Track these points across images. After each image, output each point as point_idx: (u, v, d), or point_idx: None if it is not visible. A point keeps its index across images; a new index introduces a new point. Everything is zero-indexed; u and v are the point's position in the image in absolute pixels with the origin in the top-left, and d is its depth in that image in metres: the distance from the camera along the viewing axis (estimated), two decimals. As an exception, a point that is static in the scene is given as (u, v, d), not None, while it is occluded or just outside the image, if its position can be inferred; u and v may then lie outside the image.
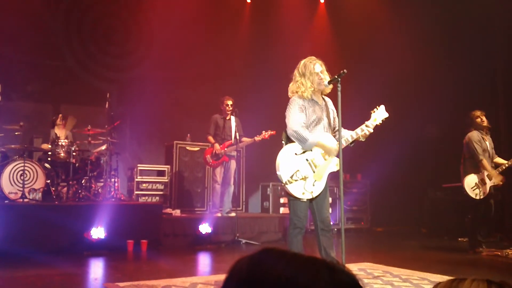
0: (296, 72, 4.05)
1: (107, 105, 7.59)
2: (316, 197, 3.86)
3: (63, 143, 7.07)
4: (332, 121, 4.07)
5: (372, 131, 3.92)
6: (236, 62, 9.76)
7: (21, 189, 6.43)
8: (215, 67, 9.57)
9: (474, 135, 6.23)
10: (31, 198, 6.45)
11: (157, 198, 8.14)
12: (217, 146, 7.45)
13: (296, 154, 3.86)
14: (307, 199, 3.83)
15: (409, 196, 9.36)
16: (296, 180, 3.79)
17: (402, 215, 9.42)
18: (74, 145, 7.14)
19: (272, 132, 7.06)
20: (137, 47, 9.30)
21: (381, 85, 8.86)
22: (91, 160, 7.28)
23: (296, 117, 3.87)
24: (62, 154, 7.02)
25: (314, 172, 3.84)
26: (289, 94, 4.07)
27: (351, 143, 3.98)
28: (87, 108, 8.74)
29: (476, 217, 6.27)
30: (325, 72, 4.02)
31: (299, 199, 3.81)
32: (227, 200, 7.66)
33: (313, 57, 4.06)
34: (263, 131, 7.17)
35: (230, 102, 7.52)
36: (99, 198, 7.06)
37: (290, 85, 4.08)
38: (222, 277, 4.42)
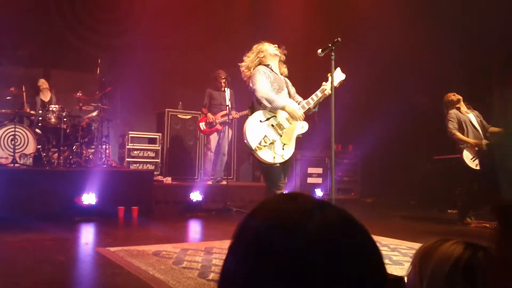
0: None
1: (98, 71, 7.50)
2: (286, 161, 4.01)
3: (54, 109, 7.01)
4: (292, 96, 4.27)
5: (329, 93, 4.01)
6: (229, 30, 9.61)
7: (12, 154, 6.40)
8: (208, 35, 9.43)
9: (451, 112, 6.35)
10: (22, 163, 6.42)
11: (148, 165, 8.14)
12: (210, 115, 7.51)
13: (261, 121, 4.01)
14: (279, 163, 3.96)
15: (399, 168, 9.43)
16: (265, 146, 3.93)
17: (392, 187, 9.50)
18: (65, 111, 7.09)
19: None
20: (129, 13, 9.11)
21: (373, 56, 8.80)
22: (82, 126, 7.24)
23: (263, 81, 4.06)
24: (53, 120, 6.97)
25: (281, 136, 3.99)
26: (244, 70, 4.27)
27: (314, 106, 4.19)
28: (78, 74, 8.64)
29: (472, 189, 6.32)
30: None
31: (271, 164, 3.92)
32: (219, 168, 7.71)
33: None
34: None
35: (224, 75, 7.53)
36: (90, 164, 7.05)
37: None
38: (212, 243, 4.49)
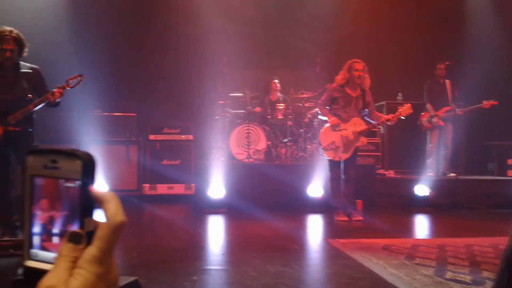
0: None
1: (317, 69, 7.78)
2: (346, 160, 5.39)
3: (280, 107, 7.54)
4: (361, 108, 5.51)
5: (393, 123, 5.47)
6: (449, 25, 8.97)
7: (247, 150, 7.11)
8: (425, 18, 8.93)
9: None
10: (255, 158, 7.09)
11: (369, 158, 8.08)
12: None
13: (334, 130, 5.40)
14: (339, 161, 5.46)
15: None
16: (331, 148, 5.40)
17: None
18: (289, 108, 7.57)
19: (494, 102, 7.15)
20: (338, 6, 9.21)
21: None
22: (305, 122, 7.61)
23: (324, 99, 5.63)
24: (279, 117, 7.51)
25: (345, 144, 5.37)
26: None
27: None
28: (300, 72, 9.08)
29: None
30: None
31: (332, 159, 5.44)
32: (442, 162, 7.37)
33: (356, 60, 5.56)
34: (484, 101, 7.22)
35: (443, 66, 7.48)
36: (314, 158, 7.37)
37: None
38: (444, 240, 4.22)
